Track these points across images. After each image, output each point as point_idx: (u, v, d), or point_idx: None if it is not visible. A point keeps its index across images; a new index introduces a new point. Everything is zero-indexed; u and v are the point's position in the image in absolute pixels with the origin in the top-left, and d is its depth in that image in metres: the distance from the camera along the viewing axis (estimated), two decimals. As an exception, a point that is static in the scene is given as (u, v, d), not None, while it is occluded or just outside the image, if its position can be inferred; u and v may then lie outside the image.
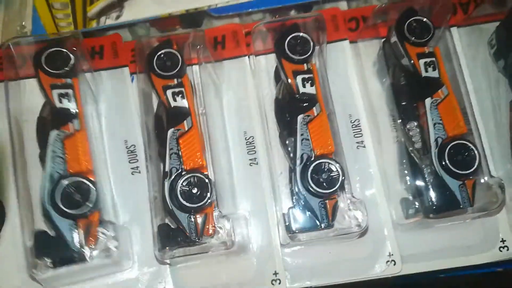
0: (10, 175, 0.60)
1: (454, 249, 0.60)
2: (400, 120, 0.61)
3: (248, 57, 0.66)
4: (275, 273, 0.59)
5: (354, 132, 0.64)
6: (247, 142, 0.64)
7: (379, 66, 0.65)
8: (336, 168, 0.56)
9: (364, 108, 0.64)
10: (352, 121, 0.64)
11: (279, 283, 0.59)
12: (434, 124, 0.58)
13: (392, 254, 0.60)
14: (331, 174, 0.56)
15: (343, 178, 0.56)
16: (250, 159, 0.63)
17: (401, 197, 0.62)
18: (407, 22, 0.60)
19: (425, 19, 0.60)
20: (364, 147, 0.63)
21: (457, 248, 0.60)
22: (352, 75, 0.65)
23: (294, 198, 0.58)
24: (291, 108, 0.59)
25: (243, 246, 0.59)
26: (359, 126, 0.64)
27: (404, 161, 0.62)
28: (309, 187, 0.55)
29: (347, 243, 0.60)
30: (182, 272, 0.59)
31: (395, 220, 0.61)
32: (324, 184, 0.55)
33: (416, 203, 0.59)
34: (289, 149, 0.60)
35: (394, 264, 0.60)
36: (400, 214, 0.61)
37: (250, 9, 0.67)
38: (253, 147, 0.63)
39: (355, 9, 0.69)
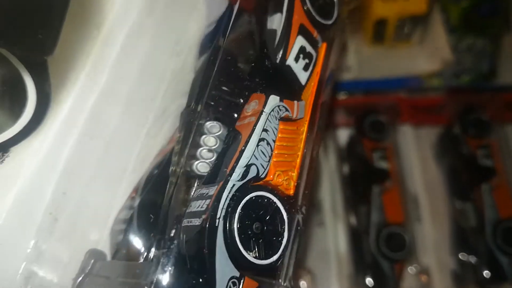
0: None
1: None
2: (457, 200, 0.68)
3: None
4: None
5: (412, 206, 0.70)
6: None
7: (438, 150, 0.74)
8: (405, 236, 0.62)
9: (422, 185, 0.71)
10: (411, 196, 0.71)
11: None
12: (489, 207, 0.65)
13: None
14: (402, 241, 0.62)
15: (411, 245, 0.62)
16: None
17: (451, 269, 0.68)
18: (470, 117, 0.69)
19: (484, 117, 0.69)
20: (419, 219, 0.70)
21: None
22: (413, 156, 0.73)
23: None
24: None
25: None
26: (417, 201, 0.70)
27: (457, 236, 0.68)
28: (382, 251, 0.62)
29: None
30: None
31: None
32: (396, 249, 0.62)
33: (466, 275, 0.66)
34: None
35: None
36: (450, 285, 0.68)
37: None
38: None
39: (415, 98, 0.77)
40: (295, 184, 0.38)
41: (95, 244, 0.41)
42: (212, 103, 0.38)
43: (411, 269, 0.66)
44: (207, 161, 0.37)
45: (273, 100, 0.38)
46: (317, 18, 0.43)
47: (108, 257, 0.41)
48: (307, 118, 0.40)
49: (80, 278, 0.39)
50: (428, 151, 0.76)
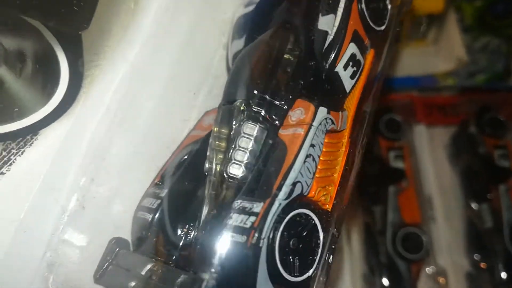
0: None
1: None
2: (473, 201, 0.68)
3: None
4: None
5: (426, 207, 0.70)
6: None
7: (452, 150, 0.73)
8: (422, 236, 0.62)
9: (436, 185, 0.71)
10: (425, 197, 0.70)
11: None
12: (507, 208, 0.65)
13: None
14: (419, 242, 0.62)
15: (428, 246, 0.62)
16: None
17: (466, 270, 0.68)
18: (486, 117, 0.69)
19: (501, 117, 0.69)
20: (433, 219, 0.69)
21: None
22: (426, 155, 0.72)
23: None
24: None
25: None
26: (431, 201, 0.70)
27: (472, 238, 0.68)
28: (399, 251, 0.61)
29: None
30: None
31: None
32: (412, 249, 0.61)
33: (481, 277, 0.65)
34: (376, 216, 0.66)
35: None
36: (465, 286, 0.67)
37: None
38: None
39: (429, 97, 0.77)
40: (334, 200, 0.37)
41: (121, 234, 0.39)
42: (253, 103, 0.36)
43: (428, 270, 0.65)
44: (242, 163, 0.36)
45: (322, 112, 0.36)
46: (371, 24, 0.41)
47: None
48: (349, 129, 0.39)
49: (104, 267, 0.38)
50: (441, 150, 0.76)
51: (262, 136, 0.36)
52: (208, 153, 0.38)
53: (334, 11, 0.39)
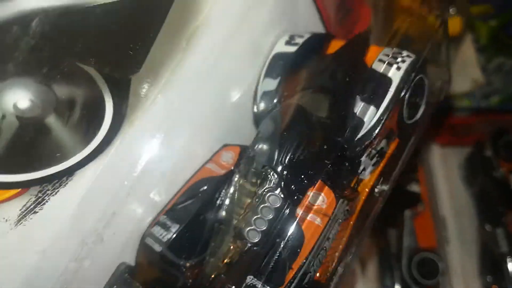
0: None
1: None
2: (487, 224, 0.68)
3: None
4: None
5: (439, 228, 0.70)
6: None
7: (466, 172, 0.73)
8: (439, 263, 0.62)
9: (450, 207, 0.71)
10: (438, 218, 0.71)
11: None
12: (523, 233, 0.65)
13: None
14: (434, 267, 0.62)
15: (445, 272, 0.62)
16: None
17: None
18: (502, 140, 0.69)
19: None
20: (447, 242, 0.70)
21: None
22: (440, 177, 0.73)
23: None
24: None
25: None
26: (445, 223, 0.70)
27: (487, 261, 0.68)
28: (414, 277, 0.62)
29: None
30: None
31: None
32: (428, 275, 0.63)
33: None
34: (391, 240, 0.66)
35: None
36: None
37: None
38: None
39: (443, 118, 0.77)
40: (330, 275, 0.39)
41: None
42: (280, 171, 0.36)
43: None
44: (261, 231, 0.36)
45: (341, 205, 0.37)
46: (405, 120, 0.41)
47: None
48: (357, 213, 0.40)
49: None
50: (456, 172, 0.76)
51: (283, 210, 0.36)
52: (227, 202, 0.39)
53: (376, 103, 0.38)
